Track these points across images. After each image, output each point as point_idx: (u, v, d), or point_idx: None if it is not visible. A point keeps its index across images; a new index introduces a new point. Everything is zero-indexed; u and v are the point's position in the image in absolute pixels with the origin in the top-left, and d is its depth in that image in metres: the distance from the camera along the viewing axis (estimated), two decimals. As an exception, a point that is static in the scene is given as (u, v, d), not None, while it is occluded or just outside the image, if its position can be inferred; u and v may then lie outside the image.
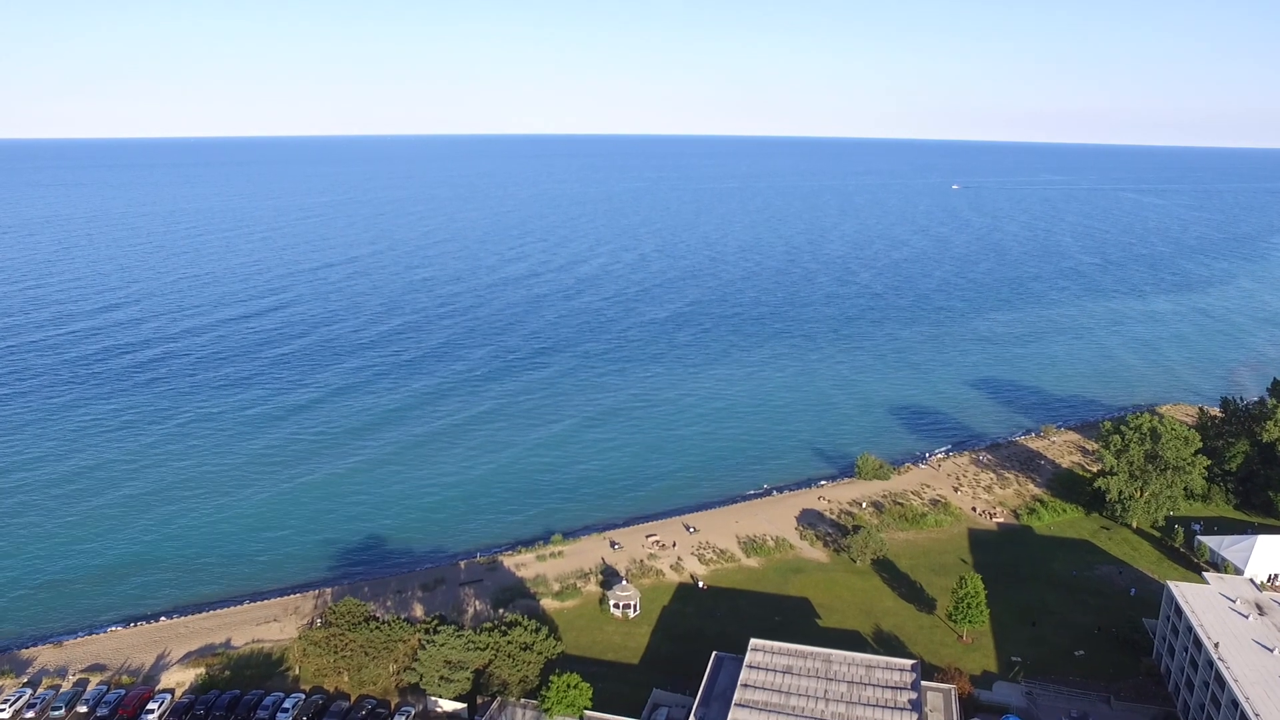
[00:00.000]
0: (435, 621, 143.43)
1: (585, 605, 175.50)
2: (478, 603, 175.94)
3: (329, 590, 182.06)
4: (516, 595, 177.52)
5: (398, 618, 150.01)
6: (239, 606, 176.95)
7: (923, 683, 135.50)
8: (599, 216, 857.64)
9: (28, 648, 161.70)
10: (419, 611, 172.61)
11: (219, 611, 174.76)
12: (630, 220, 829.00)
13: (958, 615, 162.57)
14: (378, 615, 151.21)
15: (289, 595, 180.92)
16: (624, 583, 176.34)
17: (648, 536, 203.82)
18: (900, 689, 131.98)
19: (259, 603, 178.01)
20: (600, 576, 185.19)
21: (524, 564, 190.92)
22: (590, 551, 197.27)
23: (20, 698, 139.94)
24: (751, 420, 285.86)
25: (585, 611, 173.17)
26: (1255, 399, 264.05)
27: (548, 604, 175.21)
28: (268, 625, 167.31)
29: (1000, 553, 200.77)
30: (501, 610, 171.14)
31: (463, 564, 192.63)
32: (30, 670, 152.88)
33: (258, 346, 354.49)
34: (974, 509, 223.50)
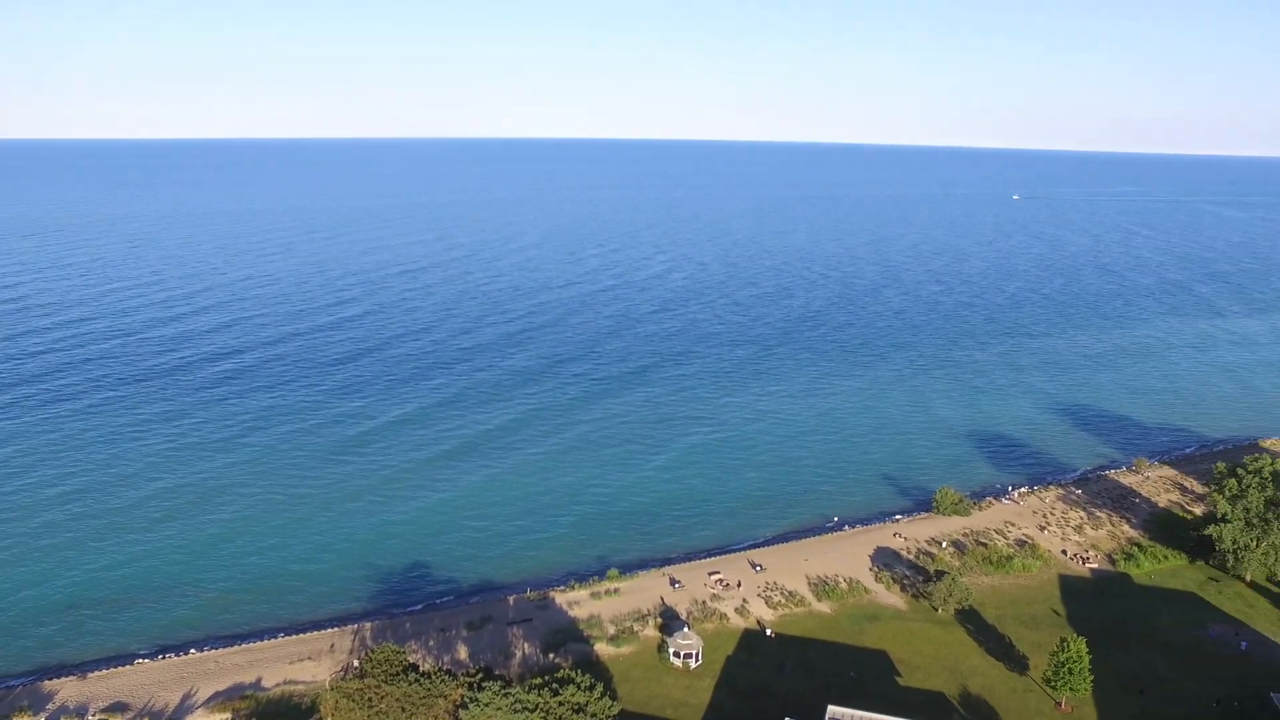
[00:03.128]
0: (479, 675, 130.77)
1: (643, 652, 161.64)
2: (526, 645, 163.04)
3: (369, 625, 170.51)
4: (568, 638, 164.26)
5: (439, 667, 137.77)
6: (273, 640, 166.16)
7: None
8: (660, 224, 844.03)
9: (51, 679, 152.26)
10: (463, 654, 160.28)
11: (251, 646, 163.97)
12: (684, 231, 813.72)
13: (1057, 681, 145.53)
14: (417, 664, 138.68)
15: (326, 630, 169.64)
16: (685, 629, 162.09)
17: (710, 574, 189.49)
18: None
19: (294, 637, 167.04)
20: (659, 620, 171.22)
21: (577, 602, 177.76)
22: (649, 589, 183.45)
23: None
24: (819, 446, 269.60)
25: (643, 660, 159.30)
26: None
27: (602, 649, 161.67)
28: (301, 664, 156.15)
29: (1097, 605, 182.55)
30: (552, 655, 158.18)
31: (511, 600, 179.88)
32: (50, 707, 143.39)
33: (317, 363, 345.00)
34: (1064, 551, 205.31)
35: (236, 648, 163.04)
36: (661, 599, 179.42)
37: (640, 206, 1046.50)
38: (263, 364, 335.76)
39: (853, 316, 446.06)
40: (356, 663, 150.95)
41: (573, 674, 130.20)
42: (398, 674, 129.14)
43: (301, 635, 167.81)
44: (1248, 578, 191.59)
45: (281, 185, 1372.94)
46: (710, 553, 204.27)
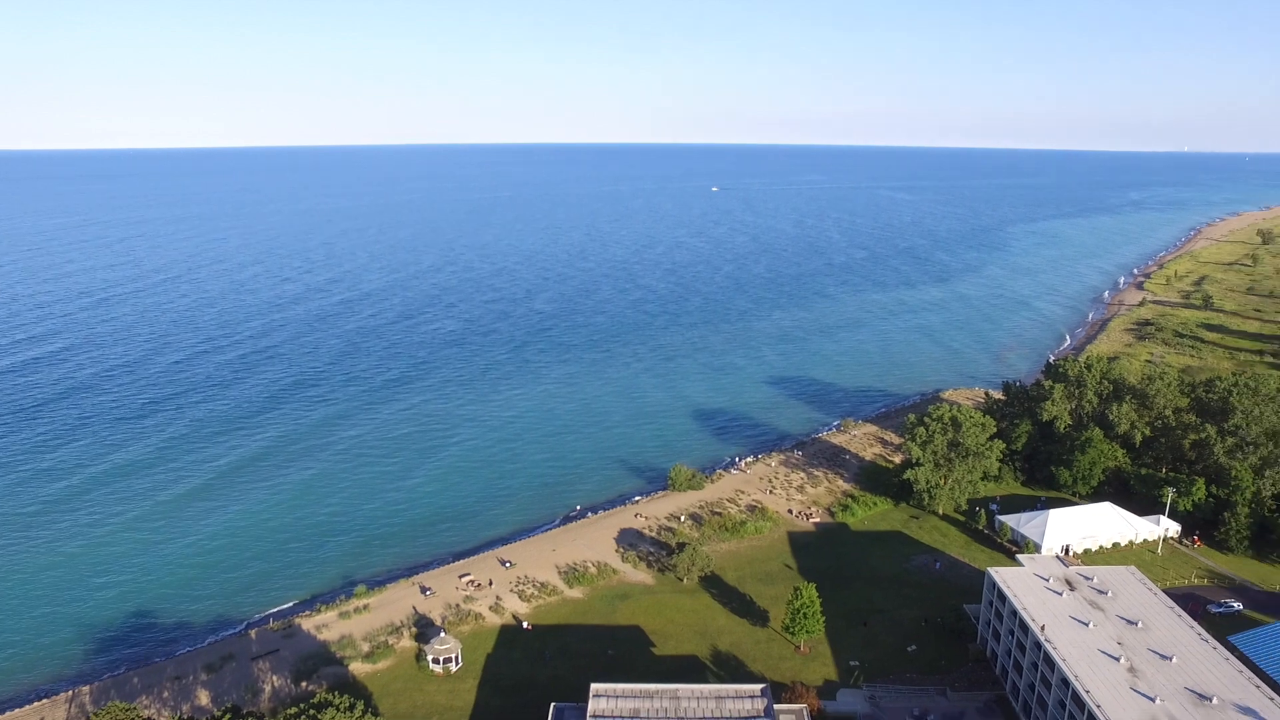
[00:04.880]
0: (226, 716, 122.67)
1: (401, 664, 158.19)
2: (276, 677, 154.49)
3: (86, 689, 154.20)
4: (321, 663, 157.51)
5: (177, 717, 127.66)
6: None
7: (774, 706, 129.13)
8: (369, 232, 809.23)
9: None
10: (204, 699, 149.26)
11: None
12: (402, 235, 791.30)
13: (795, 627, 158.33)
14: (152, 717, 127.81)
15: (31, 704, 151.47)
16: (442, 634, 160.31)
17: (461, 577, 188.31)
18: (754, 717, 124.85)
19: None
20: (414, 629, 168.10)
21: (326, 624, 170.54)
22: (400, 601, 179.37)
23: None
24: (552, 437, 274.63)
25: (402, 671, 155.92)
26: (1031, 379, 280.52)
27: (358, 668, 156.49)
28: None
29: (822, 554, 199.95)
30: (305, 684, 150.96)
31: (254, 634, 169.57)
32: None
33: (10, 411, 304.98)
34: (790, 511, 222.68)
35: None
36: (414, 608, 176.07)
37: (352, 214, 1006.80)
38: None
39: (574, 314, 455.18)
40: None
41: (330, 697, 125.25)
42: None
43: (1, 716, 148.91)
44: (940, 512, 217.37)
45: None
46: (458, 556, 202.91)
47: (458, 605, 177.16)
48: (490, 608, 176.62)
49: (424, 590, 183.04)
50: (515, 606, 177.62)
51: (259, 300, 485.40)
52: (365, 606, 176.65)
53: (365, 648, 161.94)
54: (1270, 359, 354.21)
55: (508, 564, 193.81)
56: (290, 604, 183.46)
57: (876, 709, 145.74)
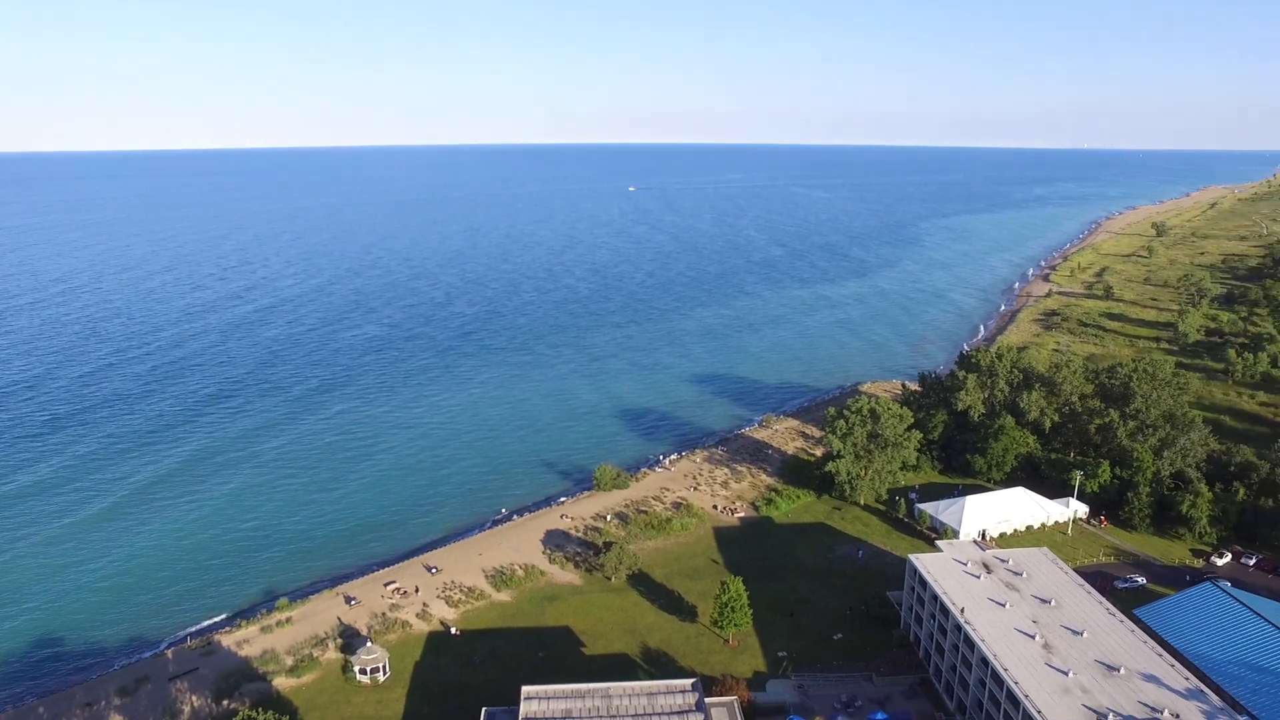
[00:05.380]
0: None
1: (327, 676, 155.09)
2: (195, 697, 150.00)
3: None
4: (243, 679, 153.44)
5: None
6: None
7: (705, 700, 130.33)
8: (284, 237, 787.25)
9: None
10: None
11: None
12: (318, 239, 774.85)
13: (723, 621, 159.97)
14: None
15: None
16: (368, 644, 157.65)
17: (386, 585, 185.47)
18: (686, 712, 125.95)
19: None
20: (339, 640, 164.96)
21: (247, 640, 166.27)
22: (324, 612, 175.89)
23: None
24: (476, 442, 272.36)
25: (328, 684, 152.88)
26: (946, 370, 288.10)
27: (282, 683, 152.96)
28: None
29: (747, 548, 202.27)
30: (226, 702, 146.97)
31: (170, 653, 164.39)
32: None
33: None
34: (715, 506, 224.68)
35: None
36: (339, 619, 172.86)
37: (267, 218, 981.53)
38: None
39: (496, 316, 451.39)
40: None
41: (253, 714, 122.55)
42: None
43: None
44: (862, 502, 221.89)
45: None
46: (383, 564, 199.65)
47: (384, 614, 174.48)
48: (417, 615, 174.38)
49: (349, 600, 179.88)
50: (443, 612, 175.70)
51: (170, 309, 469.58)
52: (288, 619, 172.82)
53: (289, 661, 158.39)
54: (1166, 345, 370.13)
55: (434, 570, 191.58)
56: (210, 621, 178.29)
57: (805, 697, 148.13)
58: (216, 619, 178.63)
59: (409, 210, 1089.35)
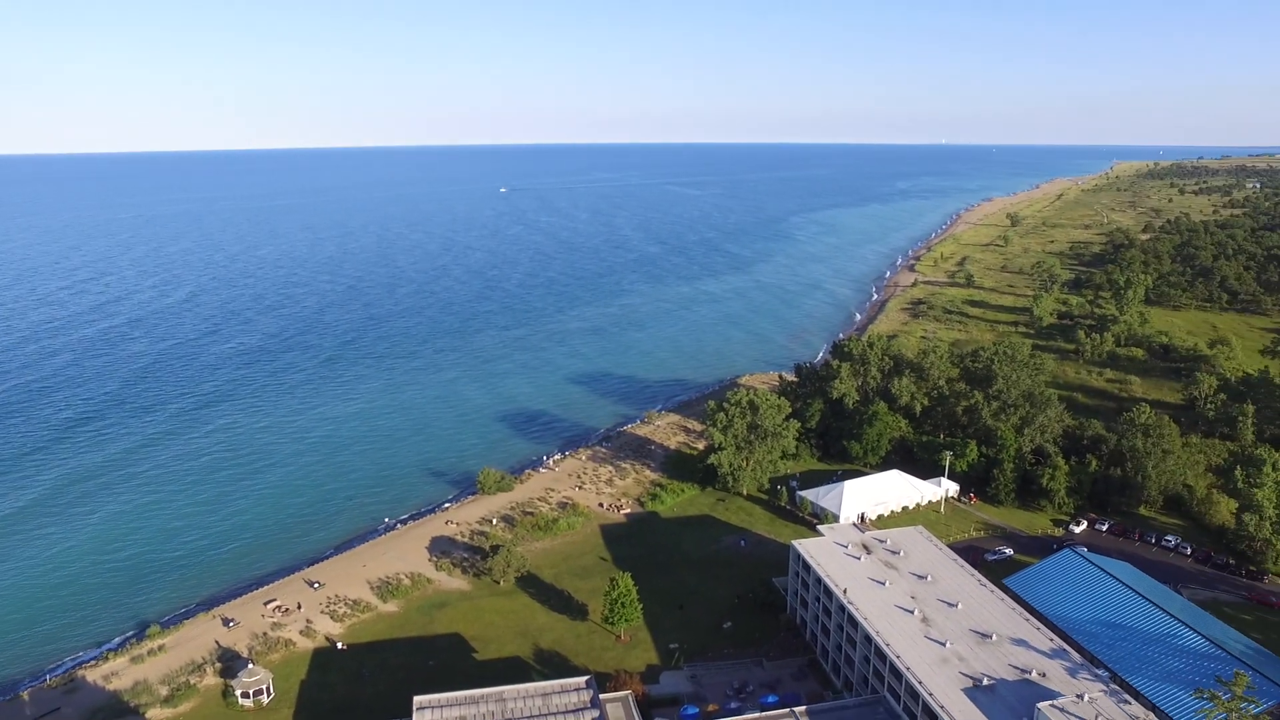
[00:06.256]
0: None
1: (206, 704, 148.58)
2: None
3: None
4: (112, 715, 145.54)
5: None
6: None
7: (600, 696, 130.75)
8: (138, 249, 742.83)
9: None
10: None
11: None
12: (178, 248, 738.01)
13: (614, 617, 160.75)
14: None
15: None
16: (250, 666, 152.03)
17: (267, 603, 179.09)
18: (581, 710, 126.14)
19: None
20: (219, 664, 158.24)
21: (116, 672, 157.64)
22: (200, 637, 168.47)
23: None
24: (356, 452, 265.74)
25: (208, 712, 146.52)
26: (821, 360, 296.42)
27: (157, 714, 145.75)
28: None
29: (635, 544, 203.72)
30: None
31: (27, 695, 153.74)
32: None
33: None
34: (601, 504, 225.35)
35: None
36: (217, 642, 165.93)
37: (125, 227, 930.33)
38: None
39: (372, 324, 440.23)
40: None
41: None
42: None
43: None
44: (744, 492, 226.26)
45: None
46: (262, 582, 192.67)
47: (265, 633, 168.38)
48: (301, 632, 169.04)
49: (226, 622, 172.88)
50: (328, 628, 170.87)
51: (18, 328, 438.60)
52: (160, 647, 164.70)
53: (163, 691, 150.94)
54: (1023, 329, 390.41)
55: (316, 585, 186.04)
56: (71, 657, 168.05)
57: (698, 687, 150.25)
58: (81, 655, 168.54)
59: (276, 216, 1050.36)
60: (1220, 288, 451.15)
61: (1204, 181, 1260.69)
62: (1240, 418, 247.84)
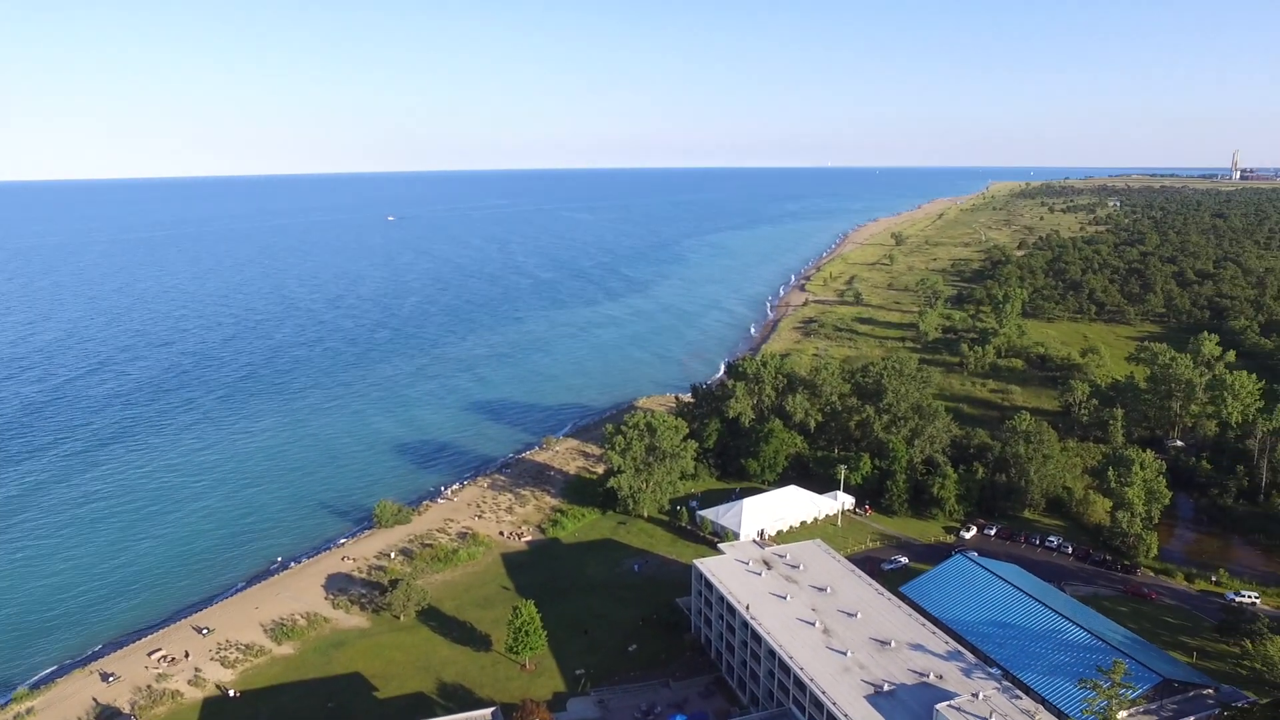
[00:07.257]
0: None
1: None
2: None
3: None
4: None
5: None
6: None
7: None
8: (9, 284, 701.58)
9: None
10: None
11: None
12: (48, 282, 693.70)
13: (518, 646, 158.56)
14: None
15: None
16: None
17: (150, 654, 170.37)
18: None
19: None
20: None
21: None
22: (75, 695, 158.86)
23: None
24: (241, 493, 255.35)
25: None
26: (717, 381, 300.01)
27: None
28: None
29: (537, 571, 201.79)
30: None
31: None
32: None
33: None
34: (502, 533, 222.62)
35: None
36: (94, 700, 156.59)
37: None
38: None
39: (256, 361, 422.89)
40: None
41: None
42: None
43: None
44: (645, 514, 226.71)
45: None
46: (144, 631, 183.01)
47: (149, 686, 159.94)
48: (189, 681, 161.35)
49: (105, 677, 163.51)
50: (218, 675, 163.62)
51: None
52: (29, 710, 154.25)
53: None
54: (910, 344, 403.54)
55: (205, 631, 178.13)
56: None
57: (606, 711, 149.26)
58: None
59: (144, 248, 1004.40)
60: (1089, 300, 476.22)
61: (1070, 201, 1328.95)
62: (1111, 421, 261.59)
